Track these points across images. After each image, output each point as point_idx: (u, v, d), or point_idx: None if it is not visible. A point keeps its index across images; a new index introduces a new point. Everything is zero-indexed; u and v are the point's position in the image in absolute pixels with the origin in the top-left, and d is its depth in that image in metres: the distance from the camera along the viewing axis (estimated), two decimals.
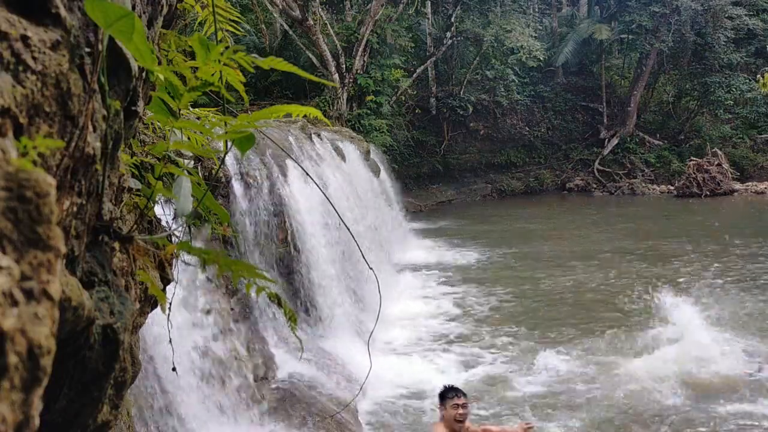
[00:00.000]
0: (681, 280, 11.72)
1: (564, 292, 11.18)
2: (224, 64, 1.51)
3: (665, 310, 8.21)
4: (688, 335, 7.61)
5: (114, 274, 1.54)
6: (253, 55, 1.53)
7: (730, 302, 9.55)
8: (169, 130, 1.72)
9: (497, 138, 30.62)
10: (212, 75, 1.55)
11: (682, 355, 7.37)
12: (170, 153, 1.77)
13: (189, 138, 1.90)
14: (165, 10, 2.05)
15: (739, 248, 14.35)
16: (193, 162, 3.50)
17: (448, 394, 4.78)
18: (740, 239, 15.30)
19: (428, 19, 28.67)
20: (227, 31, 2.45)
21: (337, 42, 21.67)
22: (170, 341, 2.72)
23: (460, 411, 4.73)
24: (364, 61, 22.11)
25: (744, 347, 7.76)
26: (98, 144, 1.26)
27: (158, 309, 2.17)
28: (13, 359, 0.65)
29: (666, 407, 6.49)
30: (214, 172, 5.08)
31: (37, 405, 0.68)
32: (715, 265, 12.67)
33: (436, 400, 4.93)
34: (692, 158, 26.23)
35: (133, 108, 1.62)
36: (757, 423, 6.09)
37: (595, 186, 29.71)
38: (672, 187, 26.95)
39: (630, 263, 13.37)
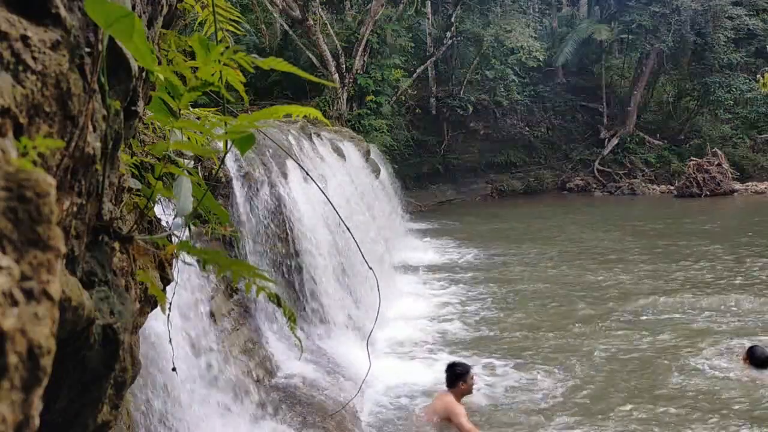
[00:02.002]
0: (709, 278, 11.62)
1: (571, 292, 11.12)
2: (224, 64, 1.52)
3: None
4: None
5: (114, 274, 1.54)
6: (253, 55, 1.53)
7: None
8: (169, 130, 1.72)
9: (497, 138, 30.63)
10: (212, 75, 1.55)
11: None
12: (170, 153, 1.77)
13: (189, 138, 1.90)
14: (165, 10, 2.05)
15: (758, 248, 14.26)
16: (193, 162, 3.50)
17: (469, 370, 6.09)
18: (762, 239, 15.25)
19: (428, 19, 28.68)
20: (227, 31, 2.45)
21: (337, 42, 21.68)
22: (170, 341, 2.72)
23: (474, 382, 6.12)
24: (364, 61, 22.12)
25: None
26: (98, 144, 1.26)
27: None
28: (13, 359, 0.65)
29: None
30: (214, 172, 5.08)
31: (37, 405, 0.68)
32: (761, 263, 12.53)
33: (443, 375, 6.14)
34: (692, 158, 26.25)
35: (133, 108, 1.62)
36: None
37: (595, 186, 29.73)
38: (672, 187, 26.96)
39: (646, 263, 13.20)
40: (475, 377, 6.34)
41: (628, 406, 6.46)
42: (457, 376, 6.00)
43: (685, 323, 9.06)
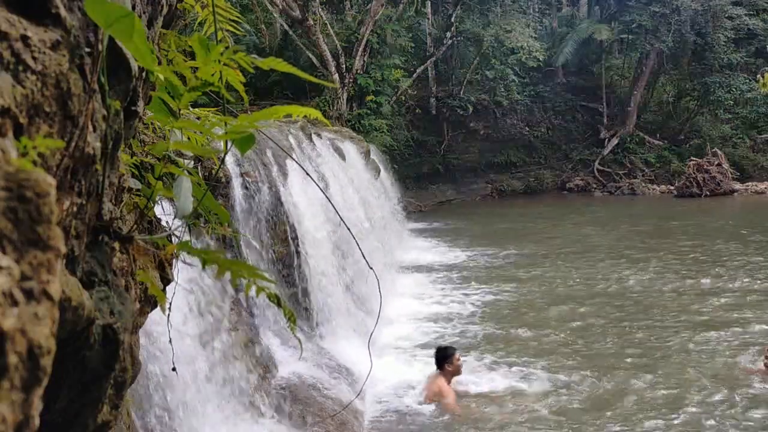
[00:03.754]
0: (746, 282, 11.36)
1: (575, 292, 11.09)
2: (224, 64, 1.51)
3: None
4: None
5: (114, 274, 1.54)
6: (253, 55, 1.53)
7: None
8: (169, 130, 1.72)
9: (497, 138, 30.63)
10: (212, 75, 1.55)
11: None
12: (170, 153, 1.77)
13: (189, 138, 1.90)
14: (165, 10, 2.05)
15: None
16: (193, 162, 3.50)
17: (455, 352, 6.79)
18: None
19: (428, 19, 28.69)
20: (227, 31, 2.45)
21: (337, 42, 21.68)
22: (170, 341, 2.72)
23: (461, 363, 6.81)
24: (364, 61, 22.11)
25: None
26: (98, 144, 1.26)
27: None
28: (13, 359, 0.65)
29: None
30: (214, 172, 5.08)
31: (37, 405, 0.68)
32: None
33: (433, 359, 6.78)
34: (692, 158, 26.25)
35: (133, 108, 1.62)
36: None
37: (595, 186, 29.73)
38: (672, 187, 26.96)
39: (660, 263, 13.10)
40: (461, 359, 6.89)
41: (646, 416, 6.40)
42: (443, 359, 6.70)
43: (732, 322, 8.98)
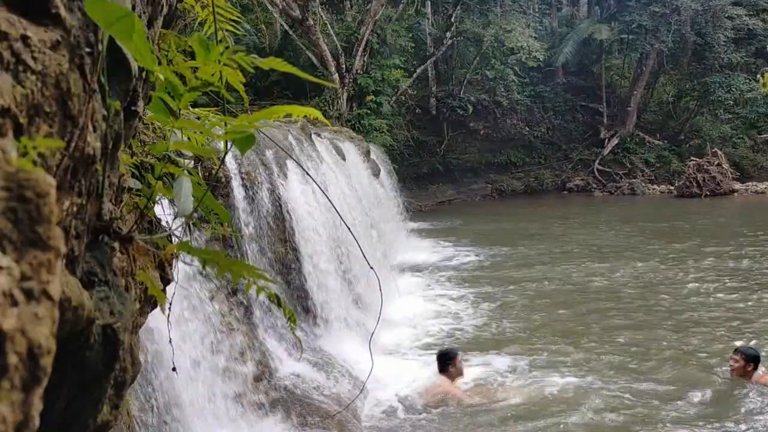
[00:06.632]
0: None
1: (577, 292, 11.06)
2: (224, 64, 1.51)
3: None
4: None
5: (114, 274, 1.54)
6: (253, 55, 1.53)
7: None
8: (169, 130, 1.72)
9: (497, 138, 30.64)
10: (212, 75, 1.54)
11: None
12: (170, 153, 1.77)
13: (189, 138, 1.90)
14: (165, 10, 2.05)
15: None
16: (193, 162, 3.50)
17: (457, 354, 6.86)
18: None
19: (428, 19, 28.70)
20: (227, 31, 2.45)
21: (337, 42, 21.68)
22: (170, 341, 2.72)
23: (463, 365, 6.80)
24: (364, 61, 22.11)
25: None
26: (98, 144, 1.26)
27: None
28: (13, 359, 0.65)
29: None
30: (214, 172, 5.08)
31: (37, 405, 0.68)
32: None
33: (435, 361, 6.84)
34: (692, 158, 26.27)
35: (133, 108, 1.62)
36: None
37: (595, 186, 29.77)
38: (672, 187, 26.99)
39: (661, 262, 13.07)
40: (462, 360, 6.89)
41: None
42: (446, 362, 6.73)
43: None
